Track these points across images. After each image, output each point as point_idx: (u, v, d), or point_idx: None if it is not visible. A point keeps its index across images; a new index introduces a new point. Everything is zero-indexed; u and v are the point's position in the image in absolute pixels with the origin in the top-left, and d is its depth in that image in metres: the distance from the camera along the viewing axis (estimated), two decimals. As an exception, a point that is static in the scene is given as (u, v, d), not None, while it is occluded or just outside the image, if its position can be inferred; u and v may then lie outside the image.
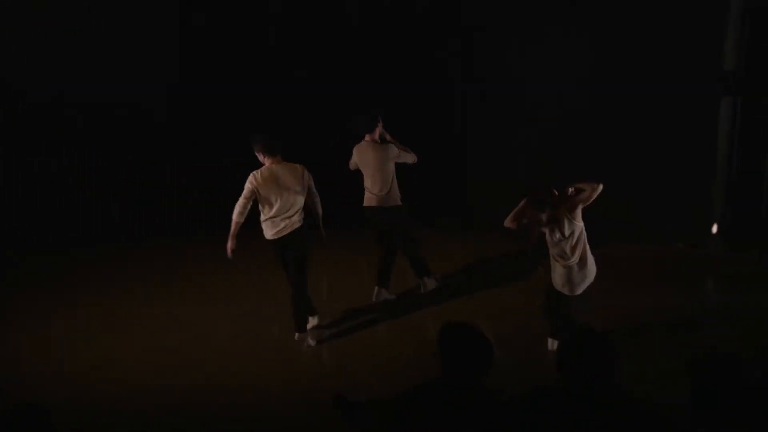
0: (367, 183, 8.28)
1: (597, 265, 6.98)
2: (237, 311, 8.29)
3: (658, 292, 6.92)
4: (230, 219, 7.34)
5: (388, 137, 8.28)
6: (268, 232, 7.42)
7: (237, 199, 7.31)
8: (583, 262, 6.85)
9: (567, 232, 6.71)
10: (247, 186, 7.28)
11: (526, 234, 6.92)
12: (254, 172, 7.31)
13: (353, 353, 7.34)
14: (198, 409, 6.36)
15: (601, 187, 6.65)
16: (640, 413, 3.69)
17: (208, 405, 6.42)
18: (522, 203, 6.82)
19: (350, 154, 8.38)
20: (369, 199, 8.30)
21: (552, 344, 6.96)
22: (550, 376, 3.87)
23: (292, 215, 7.34)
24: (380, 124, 8.20)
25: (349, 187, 8.79)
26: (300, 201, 7.36)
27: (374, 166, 8.17)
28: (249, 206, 7.33)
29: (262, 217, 7.41)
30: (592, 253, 6.88)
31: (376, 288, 8.41)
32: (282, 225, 7.35)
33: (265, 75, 10.64)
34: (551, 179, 10.10)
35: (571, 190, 6.74)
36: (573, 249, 6.78)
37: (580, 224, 6.76)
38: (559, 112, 10.27)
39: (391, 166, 8.20)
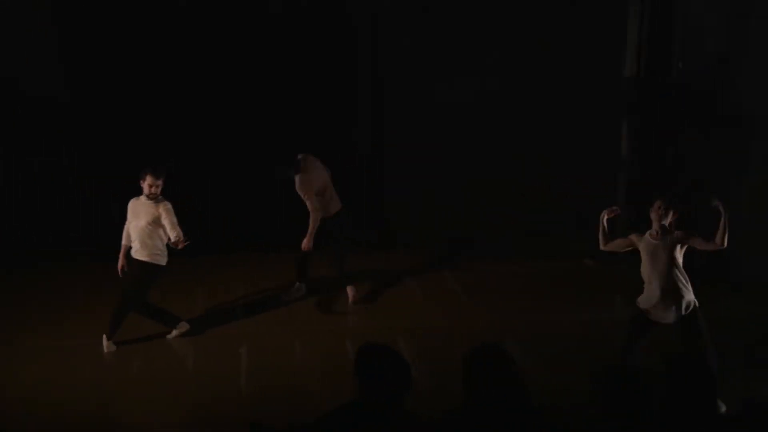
0: (326, 197, 8.59)
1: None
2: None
3: (567, 307, 7.04)
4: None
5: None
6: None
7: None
8: None
9: None
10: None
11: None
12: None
13: (269, 376, 7.09)
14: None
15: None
16: (551, 428, 3.71)
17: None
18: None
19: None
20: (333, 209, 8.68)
21: None
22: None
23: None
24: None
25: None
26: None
27: (327, 180, 8.63)
28: None
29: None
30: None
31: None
32: None
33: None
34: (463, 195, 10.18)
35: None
36: None
37: None
38: (468, 129, 10.36)
39: None
